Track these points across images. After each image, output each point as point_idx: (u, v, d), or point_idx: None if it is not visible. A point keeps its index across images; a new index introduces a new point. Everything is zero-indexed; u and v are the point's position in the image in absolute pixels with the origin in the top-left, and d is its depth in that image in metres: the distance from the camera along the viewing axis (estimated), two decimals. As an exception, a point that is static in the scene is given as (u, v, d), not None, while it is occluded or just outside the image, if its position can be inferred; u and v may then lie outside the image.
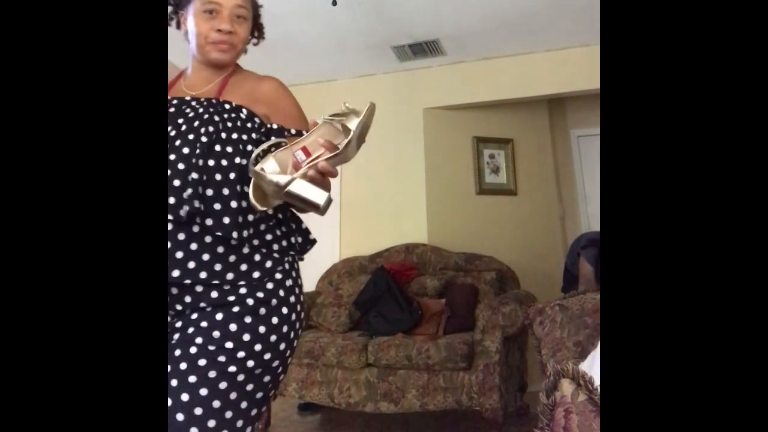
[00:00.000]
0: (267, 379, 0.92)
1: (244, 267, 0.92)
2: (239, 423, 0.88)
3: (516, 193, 3.89)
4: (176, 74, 1.12)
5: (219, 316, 0.89)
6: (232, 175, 0.92)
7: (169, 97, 1.02)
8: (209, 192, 0.90)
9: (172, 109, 0.98)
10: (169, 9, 1.10)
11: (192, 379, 0.85)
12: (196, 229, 0.89)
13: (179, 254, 0.88)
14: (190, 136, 0.92)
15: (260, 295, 0.92)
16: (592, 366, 1.10)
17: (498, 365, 2.53)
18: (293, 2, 2.98)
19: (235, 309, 0.90)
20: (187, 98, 1.02)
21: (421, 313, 2.93)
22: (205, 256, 0.89)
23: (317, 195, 0.84)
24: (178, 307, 0.91)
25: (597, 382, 0.91)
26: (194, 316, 0.90)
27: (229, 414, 0.86)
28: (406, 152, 3.74)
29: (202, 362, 0.86)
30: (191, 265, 0.88)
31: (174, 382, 0.85)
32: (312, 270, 3.51)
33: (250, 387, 0.89)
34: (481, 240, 3.64)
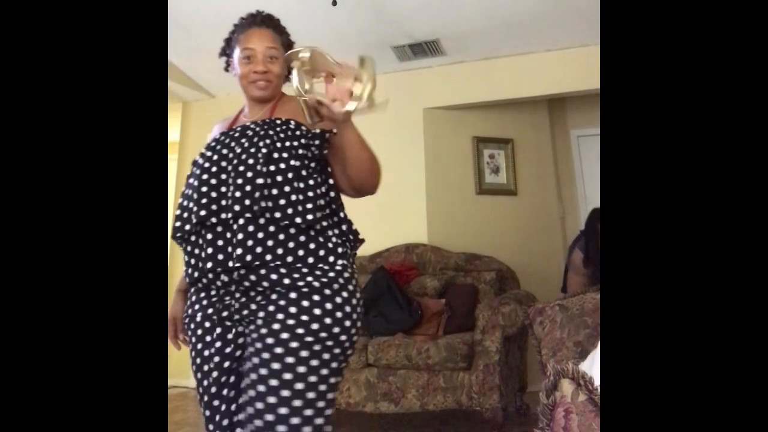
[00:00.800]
0: (337, 351, 1.08)
1: (301, 252, 1.11)
2: (322, 387, 1.05)
3: (516, 193, 3.89)
4: (236, 113, 1.40)
5: (293, 295, 1.07)
6: (290, 175, 1.13)
7: (234, 127, 1.27)
8: (274, 191, 1.11)
9: (236, 134, 1.22)
10: (224, 58, 1.37)
11: (278, 350, 1.03)
12: (262, 221, 1.10)
13: (250, 242, 1.08)
14: (252, 150, 1.15)
15: (324, 279, 1.09)
16: (592, 366, 1.10)
17: (498, 365, 2.53)
18: (293, 2, 2.98)
19: (305, 289, 1.08)
20: (247, 123, 1.25)
21: (421, 313, 2.93)
22: (270, 242, 1.09)
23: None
24: (246, 284, 1.09)
25: (597, 382, 0.91)
26: (273, 296, 1.08)
27: (313, 378, 1.04)
28: (406, 152, 3.74)
29: (284, 335, 1.04)
30: (258, 250, 1.08)
31: (265, 355, 1.04)
32: (312, 270, 3.49)
33: (326, 356, 1.06)
34: (481, 240, 3.64)
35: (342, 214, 1.22)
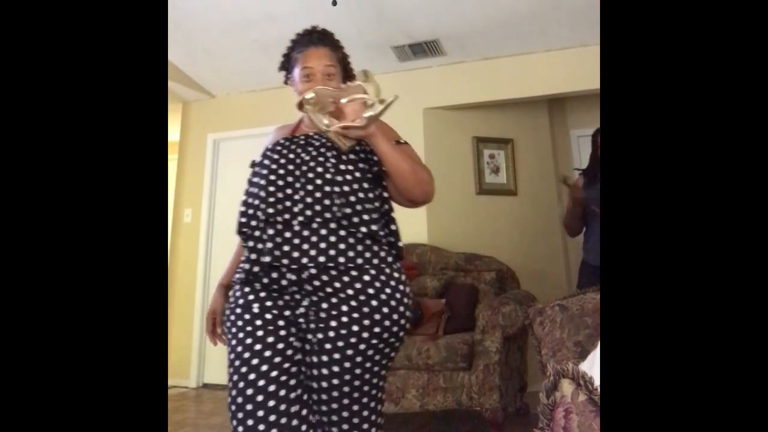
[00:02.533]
0: (397, 345, 1.21)
1: (368, 255, 1.19)
2: (382, 383, 1.21)
3: (516, 193, 3.89)
4: (296, 122, 1.46)
5: (362, 298, 1.15)
6: (355, 186, 1.22)
7: (297, 134, 1.35)
8: (342, 200, 1.19)
9: (302, 141, 1.30)
10: (284, 73, 1.43)
11: (340, 343, 1.12)
12: (333, 226, 1.17)
13: (323, 245, 1.15)
14: (321, 159, 1.24)
15: (383, 277, 1.18)
16: (592, 366, 1.10)
17: (498, 365, 2.53)
18: (293, 2, 2.98)
19: (370, 290, 1.16)
20: (311, 133, 1.33)
21: (421, 313, 2.93)
22: (342, 246, 1.16)
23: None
24: (316, 283, 1.15)
25: (597, 382, 0.91)
26: (339, 296, 1.15)
27: (376, 380, 1.18)
28: (406, 152, 3.73)
29: (352, 328, 1.13)
30: (332, 252, 1.15)
31: (334, 352, 1.13)
32: (312, 270, 3.50)
33: (387, 350, 1.18)
34: (481, 240, 3.64)
35: (393, 227, 1.31)
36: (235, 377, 1.12)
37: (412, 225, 3.64)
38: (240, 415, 1.09)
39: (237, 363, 1.13)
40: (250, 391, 1.09)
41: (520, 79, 3.63)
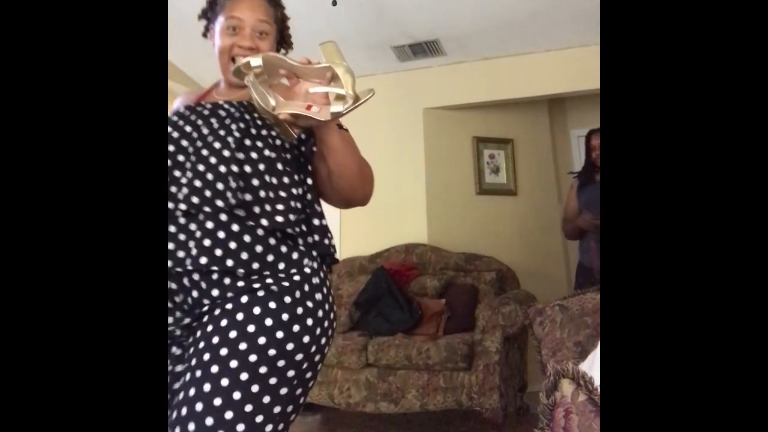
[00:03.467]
0: (291, 374, 0.89)
1: (270, 258, 0.93)
2: (259, 418, 0.85)
3: (516, 193, 3.89)
4: (207, 88, 1.19)
5: (244, 299, 0.90)
6: (261, 167, 0.96)
7: (202, 103, 1.07)
8: (241, 184, 0.94)
9: (206, 111, 1.03)
10: (204, 22, 1.16)
11: (214, 369, 0.84)
12: (224, 218, 0.92)
13: (207, 242, 0.91)
14: (222, 132, 0.97)
15: (285, 284, 0.92)
16: (592, 366, 1.10)
17: (498, 365, 2.53)
18: (293, 2, 2.97)
19: (260, 293, 0.90)
20: (220, 102, 1.05)
21: (421, 313, 2.93)
22: (233, 245, 0.91)
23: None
24: (195, 295, 0.91)
25: (597, 382, 0.91)
26: (228, 304, 0.90)
27: (249, 407, 0.84)
28: (406, 152, 3.74)
29: (223, 352, 0.85)
30: (218, 252, 0.90)
31: (198, 373, 0.85)
32: (312, 270, 3.50)
33: (273, 381, 0.87)
34: (481, 240, 3.64)
35: (318, 222, 1.01)
36: None
37: (412, 225, 3.64)
38: None
39: None
40: None
41: (520, 79, 3.62)
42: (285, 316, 0.89)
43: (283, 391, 0.88)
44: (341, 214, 3.75)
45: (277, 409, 0.87)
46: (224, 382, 0.84)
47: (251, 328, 0.87)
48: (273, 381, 0.87)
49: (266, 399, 0.86)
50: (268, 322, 0.88)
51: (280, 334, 0.88)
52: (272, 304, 0.89)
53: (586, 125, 4.21)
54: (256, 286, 0.90)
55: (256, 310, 0.88)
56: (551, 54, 3.58)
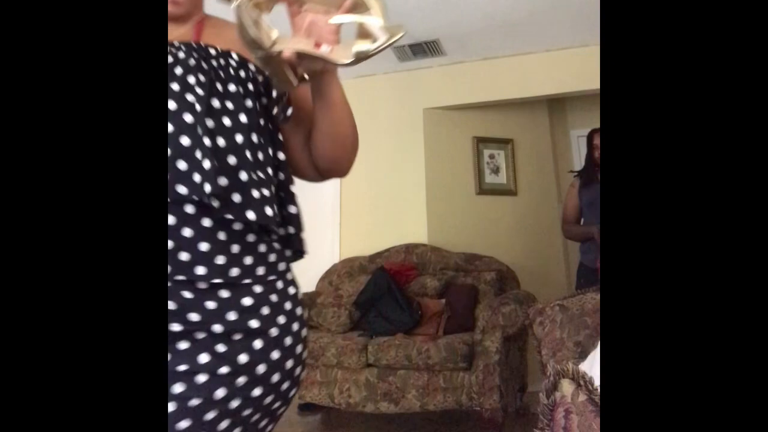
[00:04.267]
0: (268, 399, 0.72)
1: (249, 260, 0.71)
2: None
3: (516, 193, 3.89)
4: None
5: (231, 331, 0.69)
6: (239, 138, 0.71)
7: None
8: (230, 160, 0.70)
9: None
10: None
11: (195, 402, 0.67)
12: (191, 210, 0.68)
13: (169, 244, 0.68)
14: (176, 87, 0.70)
15: (270, 305, 0.72)
16: (592, 366, 1.10)
17: (498, 365, 2.53)
18: (293, 2, 2.98)
19: (251, 323, 0.70)
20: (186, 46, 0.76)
21: (421, 314, 2.93)
22: (203, 247, 0.68)
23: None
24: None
25: (597, 382, 0.91)
26: (194, 335, 0.70)
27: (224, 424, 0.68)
28: (406, 152, 3.74)
29: (202, 378, 0.67)
30: (184, 257, 0.67)
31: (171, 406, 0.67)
32: (312, 270, 3.50)
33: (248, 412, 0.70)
34: (481, 240, 3.64)
35: (293, 209, 0.79)
36: None
37: (412, 225, 3.65)
38: None
39: None
40: None
41: (520, 79, 3.63)
42: (286, 354, 0.72)
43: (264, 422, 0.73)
44: (341, 215, 3.76)
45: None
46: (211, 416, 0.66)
47: (241, 357, 0.69)
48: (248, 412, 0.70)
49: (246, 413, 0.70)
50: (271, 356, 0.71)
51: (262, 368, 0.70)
52: (275, 331, 0.71)
53: (586, 125, 4.22)
54: (247, 301, 0.70)
55: (254, 345, 0.70)
56: (551, 54, 3.58)
